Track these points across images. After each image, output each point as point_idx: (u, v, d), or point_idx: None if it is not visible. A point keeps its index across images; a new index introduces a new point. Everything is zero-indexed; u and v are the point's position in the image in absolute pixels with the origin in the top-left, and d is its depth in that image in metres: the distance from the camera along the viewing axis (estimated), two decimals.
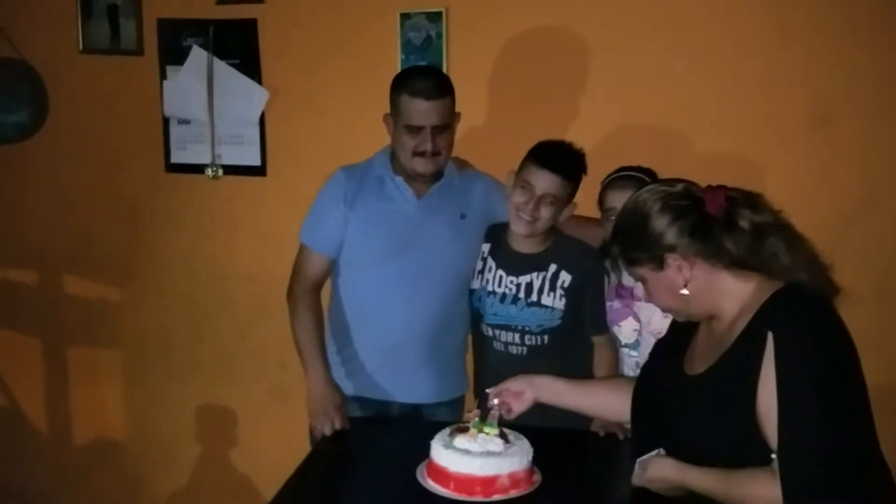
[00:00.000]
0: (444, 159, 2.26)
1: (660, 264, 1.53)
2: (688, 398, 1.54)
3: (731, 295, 1.52)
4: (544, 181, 2.15)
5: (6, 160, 3.08)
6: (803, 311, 1.44)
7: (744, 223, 1.49)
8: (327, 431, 2.10)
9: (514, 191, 2.20)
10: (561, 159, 2.18)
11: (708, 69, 2.57)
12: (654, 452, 1.56)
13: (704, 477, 1.47)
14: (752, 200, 1.53)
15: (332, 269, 2.34)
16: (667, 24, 2.58)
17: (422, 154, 2.20)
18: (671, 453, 1.54)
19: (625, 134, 2.61)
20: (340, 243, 2.29)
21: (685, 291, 1.53)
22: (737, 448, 1.45)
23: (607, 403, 1.86)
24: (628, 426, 1.81)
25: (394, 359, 2.29)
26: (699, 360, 1.58)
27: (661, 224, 1.51)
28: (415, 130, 2.18)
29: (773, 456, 1.38)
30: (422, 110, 2.16)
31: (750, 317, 1.47)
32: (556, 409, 1.89)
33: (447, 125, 2.21)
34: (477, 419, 1.76)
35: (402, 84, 2.20)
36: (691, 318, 1.62)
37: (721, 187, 1.54)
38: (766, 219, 1.51)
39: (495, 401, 1.82)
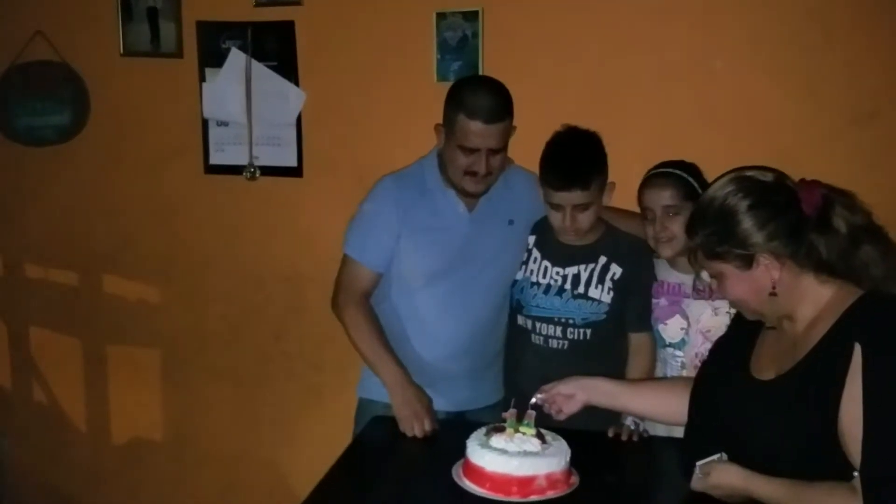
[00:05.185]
0: (495, 178, 2.18)
1: (748, 263, 1.46)
2: (759, 404, 1.48)
3: (811, 298, 1.46)
4: (568, 198, 2.12)
5: (48, 162, 3.13)
6: (893, 324, 1.37)
7: (839, 225, 1.42)
8: (418, 434, 2.04)
9: (548, 210, 2.18)
10: (572, 173, 2.10)
11: (749, 67, 2.54)
12: (715, 457, 1.50)
13: (774, 487, 1.41)
14: (848, 201, 1.46)
15: (379, 281, 2.26)
16: (707, 22, 2.55)
17: (473, 174, 2.13)
18: (734, 459, 1.48)
19: (664, 132, 2.58)
20: (391, 258, 2.22)
21: (773, 293, 1.45)
22: (812, 459, 1.39)
23: (664, 407, 1.80)
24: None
25: (439, 371, 2.24)
26: (768, 364, 1.52)
27: (754, 222, 1.44)
28: (469, 151, 2.09)
29: (855, 474, 1.32)
30: (480, 133, 2.05)
31: (830, 322, 1.41)
32: (600, 411, 1.86)
33: (503, 147, 2.13)
34: (513, 419, 1.75)
35: (461, 102, 2.08)
36: (763, 318, 1.55)
37: (816, 183, 1.46)
38: (861, 221, 1.44)
39: (536, 397, 1.79)
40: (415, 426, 2.05)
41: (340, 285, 2.26)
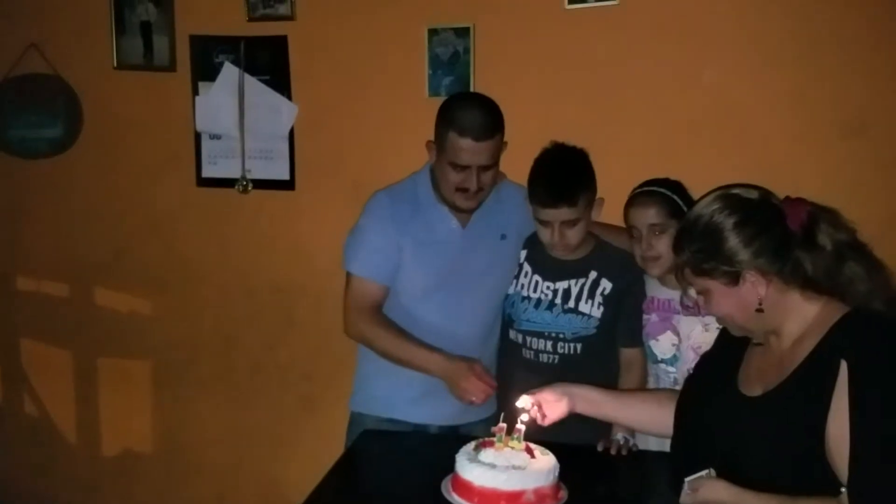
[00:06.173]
0: (487, 194, 2.19)
1: (735, 280, 1.47)
2: (747, 419, 1.49)
3: (797, 314, 1.47)
4: (555, 215, 2.13)
5: (41, 174, 3.14)
6: (879, 340, 1.38)
7: (824, 242, 1.44)
8: (483, 400, 2.05)
9: (537, 226, 2.20)
10: (558, 190, 2.12)
11: (738, 79, 2.56)
12: (703, 472, 1.50)
13: (762, 503, 1.41)
14: (833, 217, 1.47)
15: (387, 294, 2.24)
16: (696, 35, 2.58)
17: (465, 190, 2.14)
18: (723, 474, 1.48)
19: (655, 147, 2.61)
20: (397, 268, 2.21)
21: (760, 309, 1.46)
22: (800, 475, 1.40)
23: (648, 417, 1.80)
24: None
25: (432, 383, 2.22)
26: (755, 380, 1.53)
27: (740, 239, 1.45)
28: (460, 168, 2.10)
29: (843, 489, 1.33)
30: (470, 150, 2.07)
31: (817, 339, 1.42)
32: (590, 424, 1.86)
33: (494, 163, 2.14)
34: (502, 433, 1.75)
35: (452, 119, 2.09)
36: (749, 334, 1.56)
37: (801, 200, 1.48)
38: (846, 238, 1.45)
39: (522, 399, 1.79)
40: (475, 395, 2.05)
41: (350, 305, 2.24)
